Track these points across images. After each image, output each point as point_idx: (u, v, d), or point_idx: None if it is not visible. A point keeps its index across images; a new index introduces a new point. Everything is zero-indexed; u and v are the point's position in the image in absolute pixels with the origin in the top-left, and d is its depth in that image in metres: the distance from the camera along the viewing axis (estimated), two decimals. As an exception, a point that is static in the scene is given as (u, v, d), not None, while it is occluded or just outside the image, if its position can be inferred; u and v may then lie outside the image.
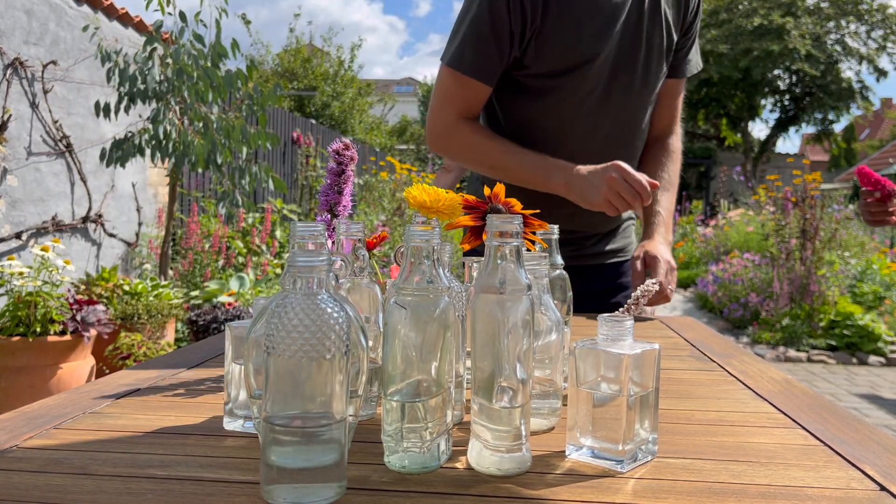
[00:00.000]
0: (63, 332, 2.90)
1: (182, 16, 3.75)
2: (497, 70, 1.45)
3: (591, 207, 1.39)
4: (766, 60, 18.12)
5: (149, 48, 3.65)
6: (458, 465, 0.64)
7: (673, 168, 1.66)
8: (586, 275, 1.60)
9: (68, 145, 4.24)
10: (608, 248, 1.70)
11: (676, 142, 1.68)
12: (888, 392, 4.65)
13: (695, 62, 1.65)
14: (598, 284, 1.64)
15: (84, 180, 4.39)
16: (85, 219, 4.42)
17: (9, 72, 3.81)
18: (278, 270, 4.94)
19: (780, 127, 20.74)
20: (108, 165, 3.63)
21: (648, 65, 1.54)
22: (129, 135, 3.70)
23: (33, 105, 4.01)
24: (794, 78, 19.46)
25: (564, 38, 1.43)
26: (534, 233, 0.87)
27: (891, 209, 1.80)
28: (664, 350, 1.19)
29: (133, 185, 4.97)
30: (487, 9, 1.39)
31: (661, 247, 1.55)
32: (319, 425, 0.54)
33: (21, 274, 2.88)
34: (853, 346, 5.65)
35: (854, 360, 5.47)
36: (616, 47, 1.48)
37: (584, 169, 1.39)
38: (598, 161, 1.42)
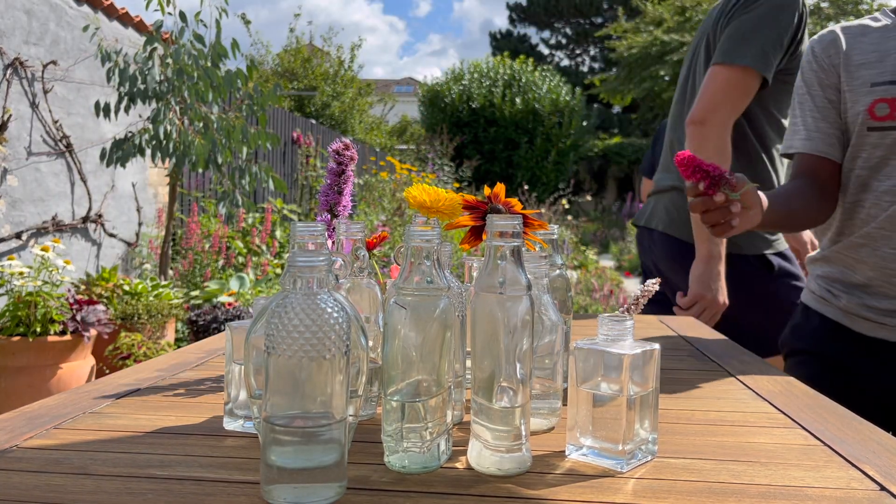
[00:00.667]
0: (63, 332, 2.90)
1: (182, 16, 3.74)
2: None
3: (693, 288, 1.62)
4: (766, 60, 18.07)
5: (149, 48, 3.65)
6: (458, 465, 0.64)
7: None
8: None
9: (68, 145, 4.24)
10: None
11: None
12: (888, 392, 4.63)
13: None
14: None
15: (84, 180, 4.39)
16: (85, 219, 4.41)
17: (9, 72, 3.81)
18: (278, 270, 4.94)
19: (781, 127, 20.72)
20: (108, 165, 3.63)
21: None
22: (129, 135, 3.70)
23: (33, 105, 4.01)
24: (794, 78, 19.45)
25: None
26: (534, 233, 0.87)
27: (730, 215, 1.09)
28: (664, 350, 1.19)
29: (133, 185, 4.96)
30: (788, 18, 1.59)
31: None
32: (319, 425, 0.54)
33: (21, 274, 2.88)
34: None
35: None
36: None
37: (723, 277, 1.63)
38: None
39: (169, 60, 3.68)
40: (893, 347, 1.23)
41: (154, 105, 3.71)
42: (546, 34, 31.77)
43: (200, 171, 3.76)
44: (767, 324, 1.64)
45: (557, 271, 0.94)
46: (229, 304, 4.04)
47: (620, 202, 15.20)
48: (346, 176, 0.88)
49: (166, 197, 4.92)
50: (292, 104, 12.11)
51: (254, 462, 0.64)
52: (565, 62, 31.23)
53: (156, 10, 3.65)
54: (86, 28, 3.75)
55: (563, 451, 0.68)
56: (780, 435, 0.75)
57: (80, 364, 2.98)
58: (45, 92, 4.06)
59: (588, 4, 29.47)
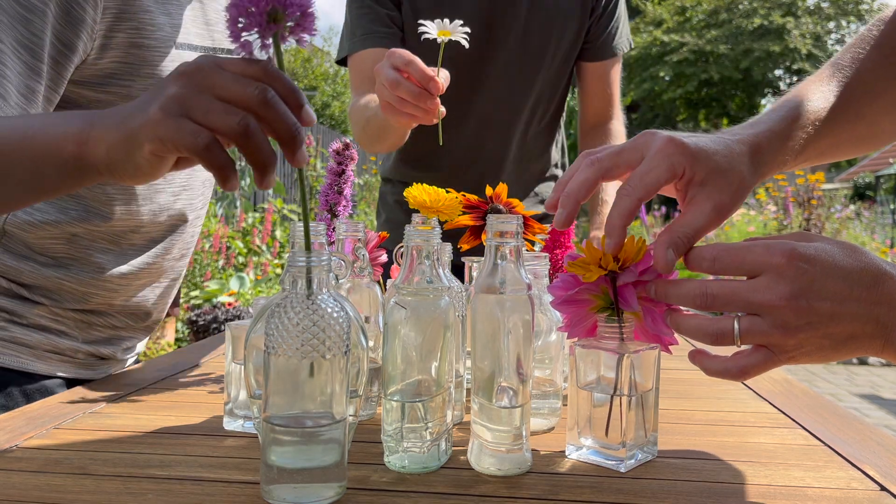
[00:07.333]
0: (63, 332, 2.89)
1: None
2: None
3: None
4: (766, 61, 18.12)
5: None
6: (458, 465, 0.64)
7: None
8: None
9: (68, 145, 4.23)
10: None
11: (618, 126, 1.53)
12: (888, 392, 4.64)
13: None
14: None
15: (84, 180, 4.39)
16: (85, 219, 4.41)
17: (9, 72, 3.81)
18: (278, 270, 4.94)
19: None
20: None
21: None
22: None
23: (33, 105, 4.01)
24: (795, 78, 19.48)
25: None
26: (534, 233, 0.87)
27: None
28: (664, 350, 1.19)
29: (133, 185, 4.96)
30: None
31: None
32: (319, 425, 0.54)
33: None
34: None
35: (854, 360, 5.47)
36: None
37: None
38: None
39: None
40: None
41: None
42: (546, 34, 31.76)
43: (200, 171, 3.76)
44: None
45: (557, 271, 0.94)
46: (229, 304, 4.04)
47: (620, 202, 15.21)
48: (347, 176, 0.88)
49: (166, 197, 4.90)
50: (292, 104, 12.11)
51: (254, 462, 0.64)
52: (565, 62, 31.22)
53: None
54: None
55: (563, 451, 0.68)
56: (780, 435, 0.75)
57: (81, 364, 2.98)
58: (46, 92, 4.05)
59: (588, 4, 29.45)
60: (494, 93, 1.37)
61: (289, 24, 0.52)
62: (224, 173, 0.54)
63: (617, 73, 1.51)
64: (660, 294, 0.62)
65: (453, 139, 1.30)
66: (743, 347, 0.59)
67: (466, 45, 0.91)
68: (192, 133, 0.53)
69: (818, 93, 0.73)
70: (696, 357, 0.61)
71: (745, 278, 0.58)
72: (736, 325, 0.57)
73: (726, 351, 0.60)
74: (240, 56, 0.54)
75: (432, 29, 0.89)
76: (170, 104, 0.54)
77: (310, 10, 0.52)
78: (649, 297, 0.63)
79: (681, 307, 0.63)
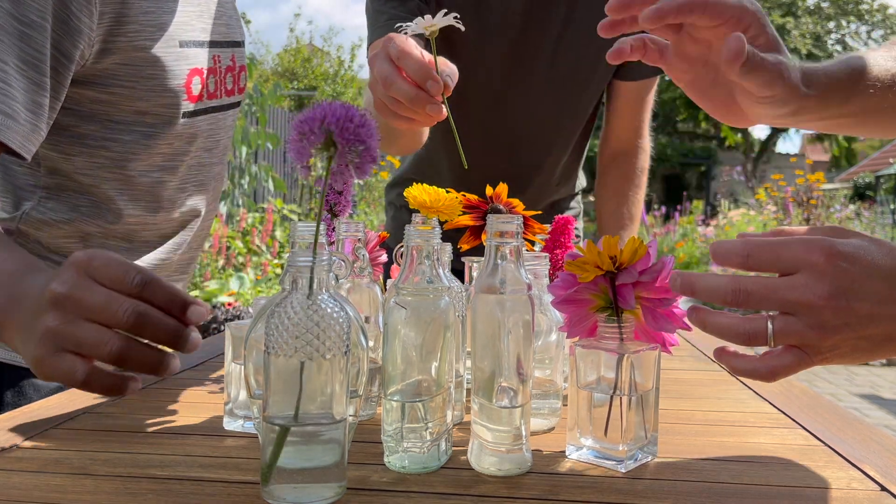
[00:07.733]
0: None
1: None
2: None
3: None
4: (766, 60, 18.05)
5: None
6: (458, 465, 0.64)
7: (637, 200, 1.42)
8: None
9: (68, 145, 4.23)
10: None
11: (643, 160, 1.41)
12: (888, 392, 4.65)
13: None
14: None
15: (84, 180, 4.39)
16: (85, 219, 4.41)
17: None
18: (278, 270, 4.94)
19: (781, 127, 20.75)
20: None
21: None
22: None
23: (33, 105, 4.01)
24: (795, 78, 19.45)
25: None
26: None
27: None
28: (664, 350, 1.19)
29: (133, 185, 4.96)
30: None
31: None
32: (319, 425, 0.54)
33: (21, 274, 2.88)
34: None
35: (854, 360, 5.47)
36: None
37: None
38: None
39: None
40: None
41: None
42: (546, 34, 31.75)
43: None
44: None
45: (557, 271, 0.94)
46: (229, 304, 4.04)
47: (620, 202, 15.20)
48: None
49: (166, 197, 4.90)
50: (292, 104, 12.12)
51: (254, 462, 0.64)
52: (565, 62, 31.21)
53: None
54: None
55: (563, 451, 0.68)
56: (780, 435, 0.75)
57: (80, 364, 2.98)
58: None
59: (588, 4, 29.43)
60: (527, 110, 1.28)
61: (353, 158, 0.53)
62: (111, 394, 0.59)
63: (650, 97, 1.40)
64: (685, 287, 0.58)
65: (485, 154, 1.21)
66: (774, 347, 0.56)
67: (462, 27, 0.77)
68: (69, 371, 0.57)
69: (876, 54, 0.73)
70: (722, 356, 0.58)
71: (768, 276, 0.55)
72: (770, 326, 0.54)
73: (748, 349, 0.58)
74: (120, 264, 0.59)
75: (416, 26, 0.76)
76: (46, 341, 0.57)
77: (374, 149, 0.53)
78: (673, 290, 0.59)
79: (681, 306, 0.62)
